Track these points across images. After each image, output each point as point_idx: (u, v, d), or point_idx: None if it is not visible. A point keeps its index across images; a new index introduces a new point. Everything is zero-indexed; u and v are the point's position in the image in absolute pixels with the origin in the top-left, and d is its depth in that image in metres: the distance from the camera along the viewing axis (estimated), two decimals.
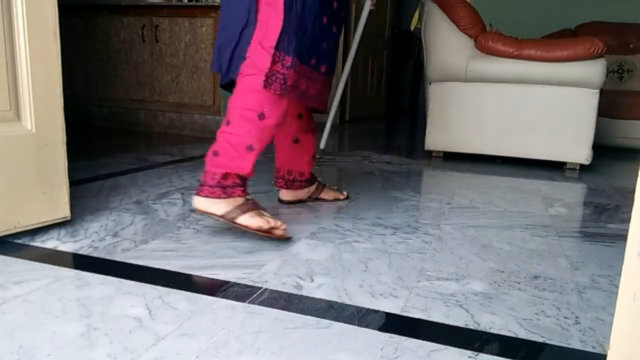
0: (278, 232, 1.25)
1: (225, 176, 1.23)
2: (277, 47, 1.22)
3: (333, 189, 1.73)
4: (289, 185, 1.62)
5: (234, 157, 1.23)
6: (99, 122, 3.54)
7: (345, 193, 1.74)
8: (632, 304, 0.41)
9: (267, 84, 1.22)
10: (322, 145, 2.03)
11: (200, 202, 1.24)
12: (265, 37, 1.24)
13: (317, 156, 2.19)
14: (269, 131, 1.27)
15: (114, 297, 0.92)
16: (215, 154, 1.25)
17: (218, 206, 1.22)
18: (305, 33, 1.27)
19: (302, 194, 1.65)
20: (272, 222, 1.23)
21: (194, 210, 1.30)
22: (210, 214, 1.24)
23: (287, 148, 1.58)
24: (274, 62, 1.22)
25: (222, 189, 1.23)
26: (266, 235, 1.25)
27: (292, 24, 1.23)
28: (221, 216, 1.23)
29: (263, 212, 1.27)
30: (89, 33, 3.44)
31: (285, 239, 1.28)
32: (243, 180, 1.26)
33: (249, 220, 1.22)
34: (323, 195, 1.69)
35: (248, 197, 1.27)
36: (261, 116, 1.24)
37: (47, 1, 1.19)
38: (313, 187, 1.68)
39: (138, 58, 3.35)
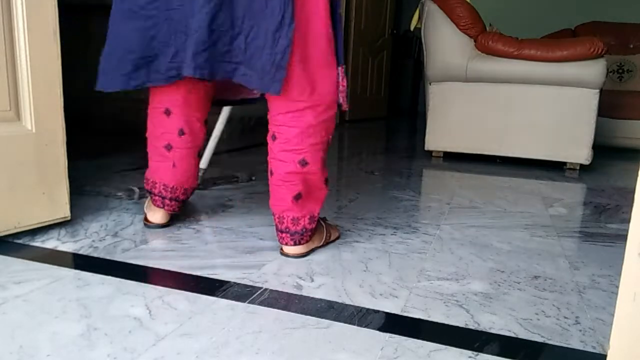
0: (334, 236, 1.30)
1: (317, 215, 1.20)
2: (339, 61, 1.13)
3: None
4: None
5: (319, 193, 1.19)
6: (99, 122, 3.54)
7: None
8: (632, 304, 0.41)
9: (344, 104, 1.14)
10: (203, 165, 1.78)
11: (300, 249, 1.18)
12: (322, 50, 1.10)
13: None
14: None
15: (114, 297, 0.92)
16: (299, 197, 1.14)
17: (315, 240, 1.22)
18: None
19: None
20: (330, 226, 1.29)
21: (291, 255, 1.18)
22: (313, 249, 1.22)
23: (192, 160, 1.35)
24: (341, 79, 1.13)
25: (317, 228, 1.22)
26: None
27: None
28: (322, 245, 1.25)
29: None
30: (89, 33, 3.44)
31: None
32: None
33: (335, 232, 1.31)
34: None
35: None
36: (329, 143, 1.18)
37: (47, 1, 1.19)
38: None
39: None
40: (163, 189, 1.30)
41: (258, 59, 1.06)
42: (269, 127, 1.16)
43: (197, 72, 1.06)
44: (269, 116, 1.16)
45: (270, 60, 1.04)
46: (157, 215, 1.34)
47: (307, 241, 1.17)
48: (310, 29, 1.07)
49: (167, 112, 1.26)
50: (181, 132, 1.27)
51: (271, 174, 1.16)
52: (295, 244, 1.16)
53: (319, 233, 1.22)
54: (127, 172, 2.03)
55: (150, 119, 1.30)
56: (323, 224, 1.26)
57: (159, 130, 1.28)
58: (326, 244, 1.25)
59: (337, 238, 1.32)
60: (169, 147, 1.28)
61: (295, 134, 1.10)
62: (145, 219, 1.35)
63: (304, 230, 1.15)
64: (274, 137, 1.14)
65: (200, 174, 1.88)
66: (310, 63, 1.08)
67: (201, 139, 1.33)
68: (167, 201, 1.31)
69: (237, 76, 1.09)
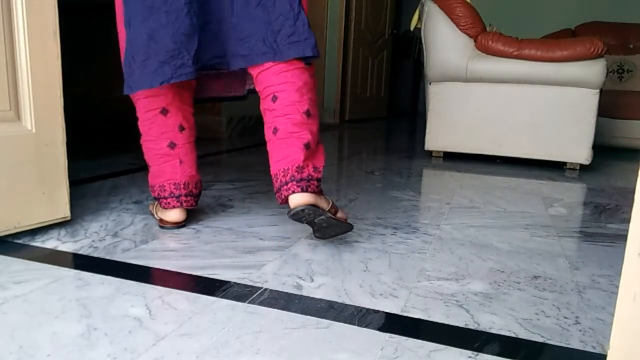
0: (341, 215, 1.27)
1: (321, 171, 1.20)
2: None
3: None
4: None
5: (320, 149, 1.21)
6: (99, 122, 3.54)
7: None
8: (632, 304, 0.41)
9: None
10: None
11: (308, 198, 1.12)
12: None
13: None
14: None
15: (114, 297, 0.92)
16: (308, 146, 1.16)
17: (324, 199, 1.19)
18: None
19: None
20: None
21: (302, 209, 1.10)
22: (320, 208, 1.13)
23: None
24: None
25: (319, 184, 1.18)
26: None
27: None
28: (329, 209, 1.18)
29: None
30: (89, 33, 3.44)
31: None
32: None
33: (341, 214, 1.26)
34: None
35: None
36: None
37: (47, 1, 1.19)
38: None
39: None
40: (175, 188, 1.30)
41: (285, 31, 1.15)
42: (266, 92, 1.19)
43: (242, 62, 1.15)
44: (263, 86, 1.19)
45: (300, 28, 1.16)
46: (172, 215, 1.32)
47: (313, 191, 1.14)
48: None
49: (164, 112, 1.27)
50: (181, 128, 1.29)
51: (275, 131, 1.17)
52: (302, 191, 1.12)
53: (324, 199, 1.21)
54: (128, 172, 2.03)
55: (145, 123, 1.29)
56: (328, 198, 1.24)
57: (158, 131, 1.28)
58: (332, 218, 1.14)
59: (345, 220, 1.24)
60: (172, 145, 1.29)
61: (297, 87, 1.17)
62: (161, 221, 1.34)
63: (310, 177, 1.14)
64: (274, 98, 1.17)
65: None
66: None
67: (196, 132, 1.35)
68: (182, 198, 1.31)
69: (312, 50, 1.17)
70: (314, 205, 1.12)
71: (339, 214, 1.26)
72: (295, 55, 1.16)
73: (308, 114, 1.17)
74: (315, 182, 1.16)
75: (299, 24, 1.16)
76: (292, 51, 1.16)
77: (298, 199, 1.13)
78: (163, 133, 1.28)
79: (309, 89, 1.19)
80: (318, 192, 1.18)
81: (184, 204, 1.32)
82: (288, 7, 1.15)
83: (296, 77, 1.17)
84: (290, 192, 1.13)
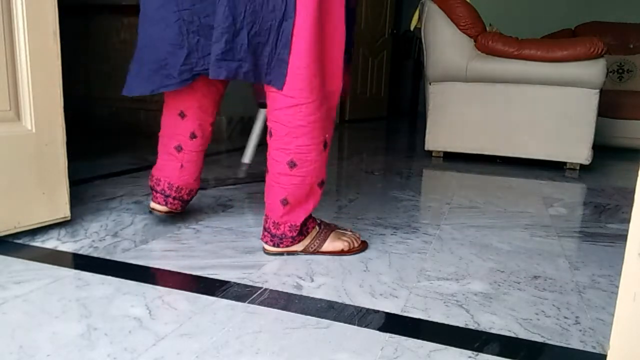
0: (357, 245, 1.22)
1: (304, 221, 1.16)
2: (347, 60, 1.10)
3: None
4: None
5: (308, 199, 1.15)
6: (99, 122, 3.54)
7: None
8: (632, 304, 0.41)
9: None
10: (246, 160, 1.88)
11: (279, 249, 1.17)
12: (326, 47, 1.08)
13: (240, 174, 2.03)
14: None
15: (114, 297, 0.92)
16: (285, 202, 1.12)
17: (298, 245, 1.18)
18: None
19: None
20: (351, 239, 1.21)
21: (266, 253, 1.18)
22: (291, 252, 1.18)
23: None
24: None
25: (301, 234, 1.17)
26: (350, 253, 1.21)
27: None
28: (302, 251, 1.19)
29: (338, 229, 1.24)
30: (89, 33, 3.44)
31: (365, 248, 1.25)
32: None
33: (330, 246, 1.19)
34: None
35: (318, 222, 1.22)
36: (325, 144, 1.13)
37: (47, 1, 1.19)
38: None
39: None
40: (167, 187, 1.31)
41: (260, 54, 1.06)
42: (267, 123, 1.16)
43: (222, 74, 1.05)
44: (267, 112, 1.15)
45: (273, 55, 1.05)
46: (156, 205, 1.34)
47: (286, 246, 1.16)
48: (325, 25, 1.06)
49: (182, 115, 1.27)
50: (193, 136, 1.28)
51: (267, 171, 1.16)
52: (274, 246, 1.17)
53: (312, 238, 1.19)
54: (128, 172, 2.03)
55: (164, 118, 1.31)
56: (323, 231, 1.21)
57: (171, 131, 1.30)
58: (329, 253, 1.19)
59: (356, 250, 1.21)
60: (179, 148, 1.29)
61: (285, 132, 1.08)
62: (151, 207, 1.35)
63: (284, 236, 1.15)
64: (270, 134, 1.13)
65: (244, 168, 1.98)
66: (310, 58, 1.05)
67: (209, 141, 1.34)
68: (170, 199, 1.31)
69: (239, 74, 1.07)
70: (281, 253, 1.18)
71: (327, 244, 1.19)
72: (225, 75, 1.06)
73: (292, 164, 1.09)
74: (289, 240, 1.16)
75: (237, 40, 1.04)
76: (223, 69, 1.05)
77: (268, 249, 1.18)
78: (175, 134, 1.29)
79: (299, 135, 1.08)
80: (292, 243, 1.17)
81: (169, 205, 1.32)
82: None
83: (289, 117, 1.07)
84: (264, 240, 1.18)
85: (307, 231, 1.18)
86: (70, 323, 0.82)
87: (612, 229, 1.54)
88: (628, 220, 1.25)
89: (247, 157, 1.89)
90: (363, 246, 1.24)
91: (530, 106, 2.59)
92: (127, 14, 3.30)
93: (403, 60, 6.73)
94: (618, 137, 3.40)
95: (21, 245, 1.17)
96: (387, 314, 0.91)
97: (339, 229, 1.25)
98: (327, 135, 1.13)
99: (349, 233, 1.24)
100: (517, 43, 2.55)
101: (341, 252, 1.20)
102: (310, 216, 1.18)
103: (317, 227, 1.21)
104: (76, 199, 1.53)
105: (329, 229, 1.22)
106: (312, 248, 1.19)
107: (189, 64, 1.12)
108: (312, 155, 1.10)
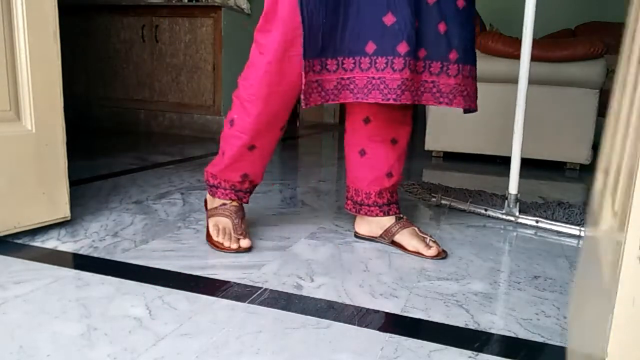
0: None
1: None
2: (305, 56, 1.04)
3: (422, 235, 1.24)
4: (357, 209, 1.31)
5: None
6: (99, 122, 3.54)
7: (434, 247, 1.20)
8: (632, 309, 0.41)
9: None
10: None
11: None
12: None
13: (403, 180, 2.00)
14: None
15: (114, 297, 0.92)
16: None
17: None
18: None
19: (376, 228, 1.29)
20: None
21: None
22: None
23: (352, 161, 1.30)
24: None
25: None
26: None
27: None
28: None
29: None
30: (89, 33, 3.44)
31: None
32: None
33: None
34: (400, 240, 1.24)
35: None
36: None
37: (47, 1, 1.19)
38: (389, 223, 1.27)
39: (138, 58, 3.36)
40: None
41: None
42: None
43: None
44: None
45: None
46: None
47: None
48: None
49: (366, 121, 1.27)
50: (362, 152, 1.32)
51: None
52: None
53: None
54: (128, 172, 2.03)
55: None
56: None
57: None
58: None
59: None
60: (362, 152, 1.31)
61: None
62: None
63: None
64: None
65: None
66: None
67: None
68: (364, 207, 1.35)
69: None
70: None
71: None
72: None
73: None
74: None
75: None
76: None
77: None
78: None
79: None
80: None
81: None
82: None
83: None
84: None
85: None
86: (70, 323, 0.82)
87: None
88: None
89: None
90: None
91: (530, 106, 2.59)
92: (127, 14, 3.31)
93: None
94: None
95: (21, 245, 1.17)
96: (387, 314, 0.91)
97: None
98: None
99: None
100: (517, 43, 2.54)
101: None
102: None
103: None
104: (76, 199, 1.53)
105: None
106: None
107: None
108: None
